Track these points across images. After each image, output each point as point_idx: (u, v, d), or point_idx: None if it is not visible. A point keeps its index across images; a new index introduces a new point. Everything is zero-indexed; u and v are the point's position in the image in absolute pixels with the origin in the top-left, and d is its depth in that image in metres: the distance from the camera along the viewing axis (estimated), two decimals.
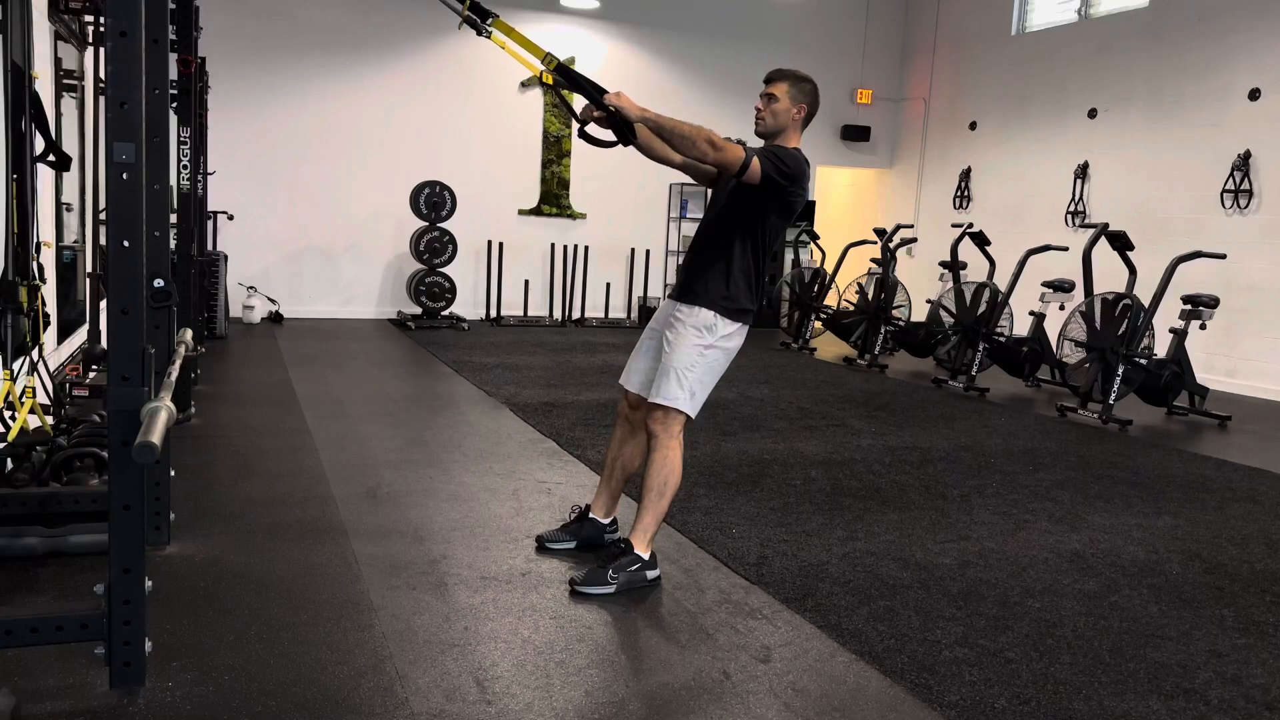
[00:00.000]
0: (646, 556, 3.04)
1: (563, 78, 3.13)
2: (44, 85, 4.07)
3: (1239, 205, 8.13)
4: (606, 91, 3.07)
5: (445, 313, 9.99)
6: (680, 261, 3.33)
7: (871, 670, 2.54)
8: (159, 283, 2.94)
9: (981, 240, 8.41)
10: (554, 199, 11.02)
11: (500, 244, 10.59)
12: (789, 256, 11.34)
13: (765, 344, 9.83)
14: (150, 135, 2.36)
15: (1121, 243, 6.89)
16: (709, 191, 3.36)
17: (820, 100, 3.19)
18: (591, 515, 3.35)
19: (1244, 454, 5.64)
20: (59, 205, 4.95)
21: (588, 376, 7.04)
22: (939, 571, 3.30)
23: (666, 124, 2.96)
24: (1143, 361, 6.42)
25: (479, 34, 3.16)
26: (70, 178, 5.04)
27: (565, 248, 10.98)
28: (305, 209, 9.98)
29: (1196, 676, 2.61)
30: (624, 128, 3.07)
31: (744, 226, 3.11)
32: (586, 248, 11.10)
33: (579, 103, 3.17)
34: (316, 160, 9.94)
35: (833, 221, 12.63)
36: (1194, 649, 2.79)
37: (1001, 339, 7.68)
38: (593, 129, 3.18)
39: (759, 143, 3.17)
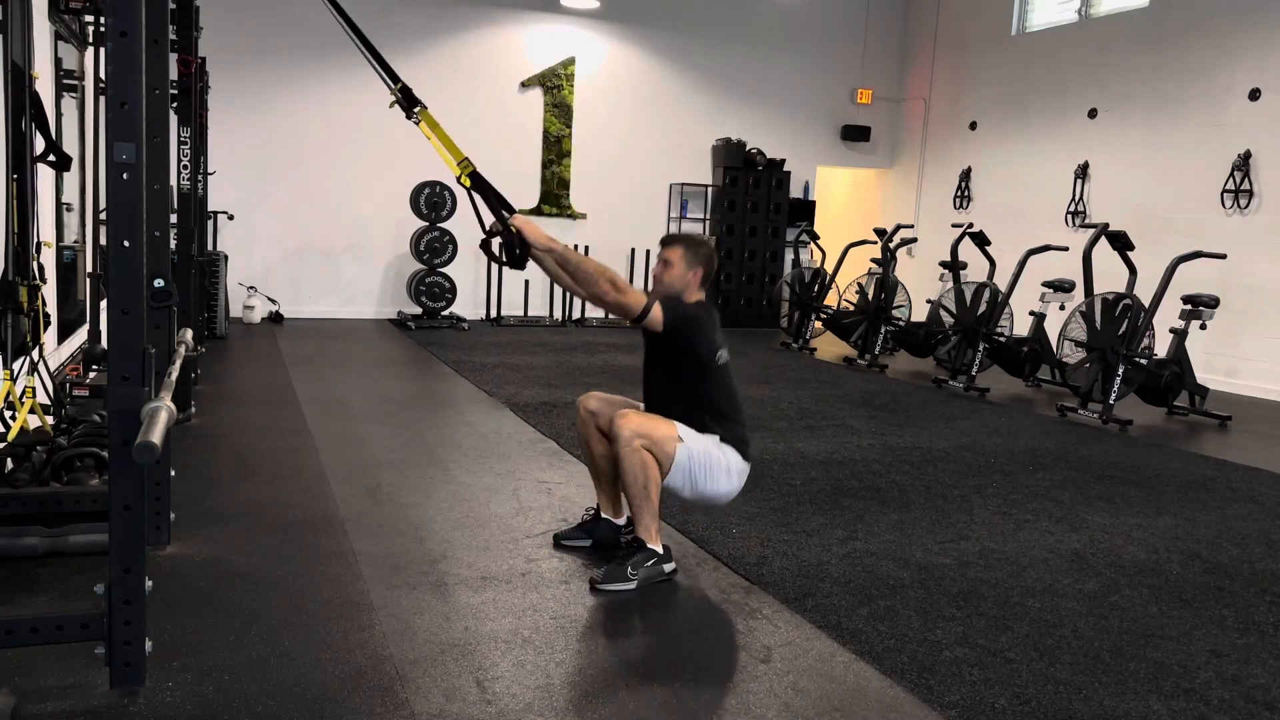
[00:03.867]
0: (660, 551, 3.08)
1: (476, 187, 3.24)
2: (44, 85, 4.07)
3: (1239, 205, 8.13)
4: (514, 212, 3.16)
5: (445, 313, 9.99)
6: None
7: (871, 670, 2.54)
8: (159, 283, 2.94)
9: (981, 240, 8.41)
10: (554, 199, 11.02)
11: (499, 248, 10.58)
12: (789, 256, 11.34)
13: (765, 344, 9.83)
14: (150, 135, 2.36)
15: (1122, 243, 6.89)
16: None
17: (715, 261, 3.29)
18: (604, 517, 3.37)
19: (1244, 454, 5.64)
20: (59, 205, 4.95)
21: (588, 376, 7.04)
22: (939, 571, 3.30)
23: (572, 259, 3.09)
24: (1143, 361, 6.41)
25: (408, 117, 3.33)
26: (70, 178, 5.04)
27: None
28: (305, 209, 9.98)
29: (1196, 676, 2.61)
30: (520, 254, 3.15)
31: (676, 372, 3.16)
32: (586, 248, 11.07)
33: (486, 216, 3.25)
34: (316, 160, 9.94)
35: (833, 221, 12.63)
36: (1194, 649, 2.79)
37: (1002, 339, 7.67)
38: (495, 245, 3.25)
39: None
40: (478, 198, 3.26)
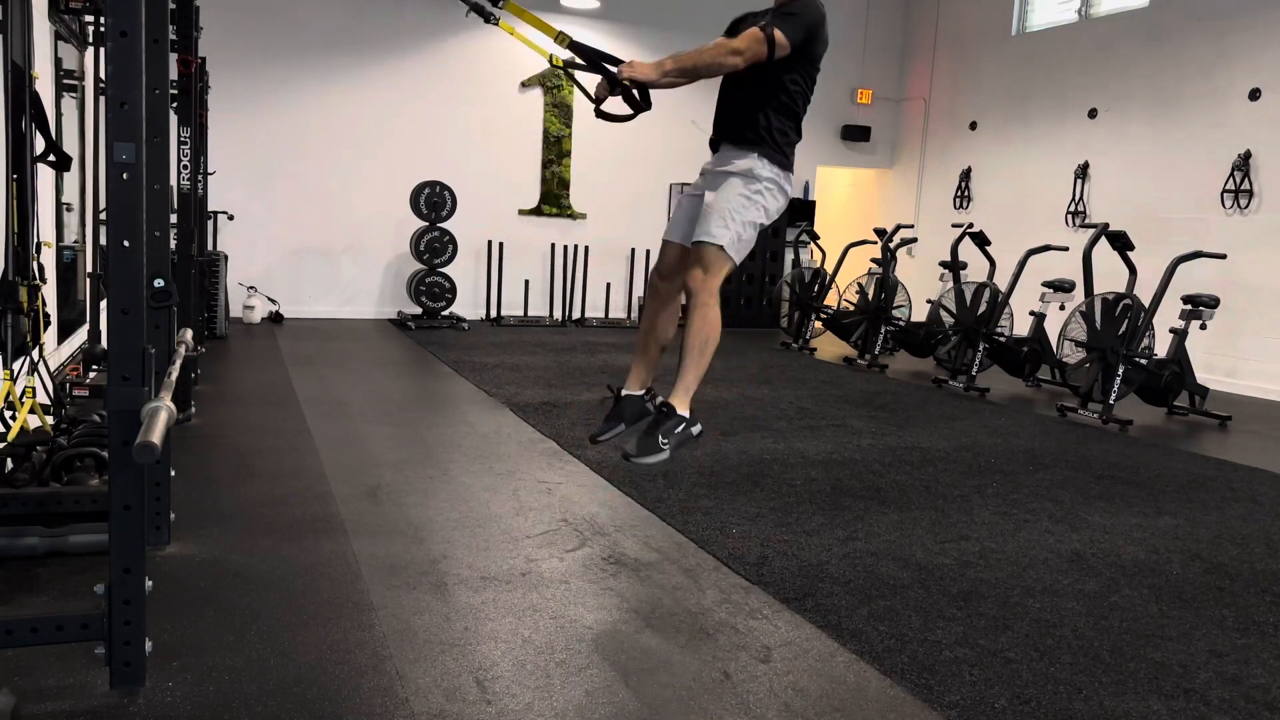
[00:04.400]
0: (688, 415, 3.04)
1: (577, 55, 3.14)
2: (44, 85, 4.07)
3: (1239, 205, 8.13)
4: (620, 62, 3.08)
5: (445, 313, 9.99)
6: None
7: (871, 670, 2.54)
8: (159, 283, 2.94)
9: (982, 240, 8.41)
10: (554, 199, 11.02)
11: (500, 244, 10.59)
12: (789, 256, 11.34)
13: (765, 344, 9.83)
14: (150, 135, 2.36)
15: (1122, 243, 6.89)
16: None
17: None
18: (627, 393, 3.29)
19: (1244, 454, 5.64)
20: (59, 205, 4.95)
21: (588, 376, 7.04)
22: (939, 571, 3.30)
23: (688, 65, 3.00)
24: (1143, 361, 6.42)
25: (486, 20, 3.18)
26: (70, 178, 5.04)
27: (565, 248, 10.98)
28: (305, 209, 9.98)
29: (1197, 676, 2.61)
30: (642, 97, 3.08)
31: (773, 76, 3.10)
32: (586, 248, 11.10)
33: (590, 82, 3.16)
34: (316, 160, 9.94)
35: (833, 221, 12.63)
36: (1194, 649, 2.79)
37: (1002, 339, 7.67)
38: (609, 106, 3.16)
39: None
40: (576, 73, 3.18)
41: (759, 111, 3.09)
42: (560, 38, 3.13)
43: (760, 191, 3.06)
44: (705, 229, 3.03)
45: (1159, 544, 3.77)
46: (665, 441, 2.94)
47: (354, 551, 3.20)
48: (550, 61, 3.16)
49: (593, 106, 3.17)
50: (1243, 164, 8.09)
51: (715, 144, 3.21)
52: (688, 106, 11.45)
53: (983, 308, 7.71)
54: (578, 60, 3.15)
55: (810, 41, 3.04)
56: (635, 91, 3.05)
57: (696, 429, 3.03)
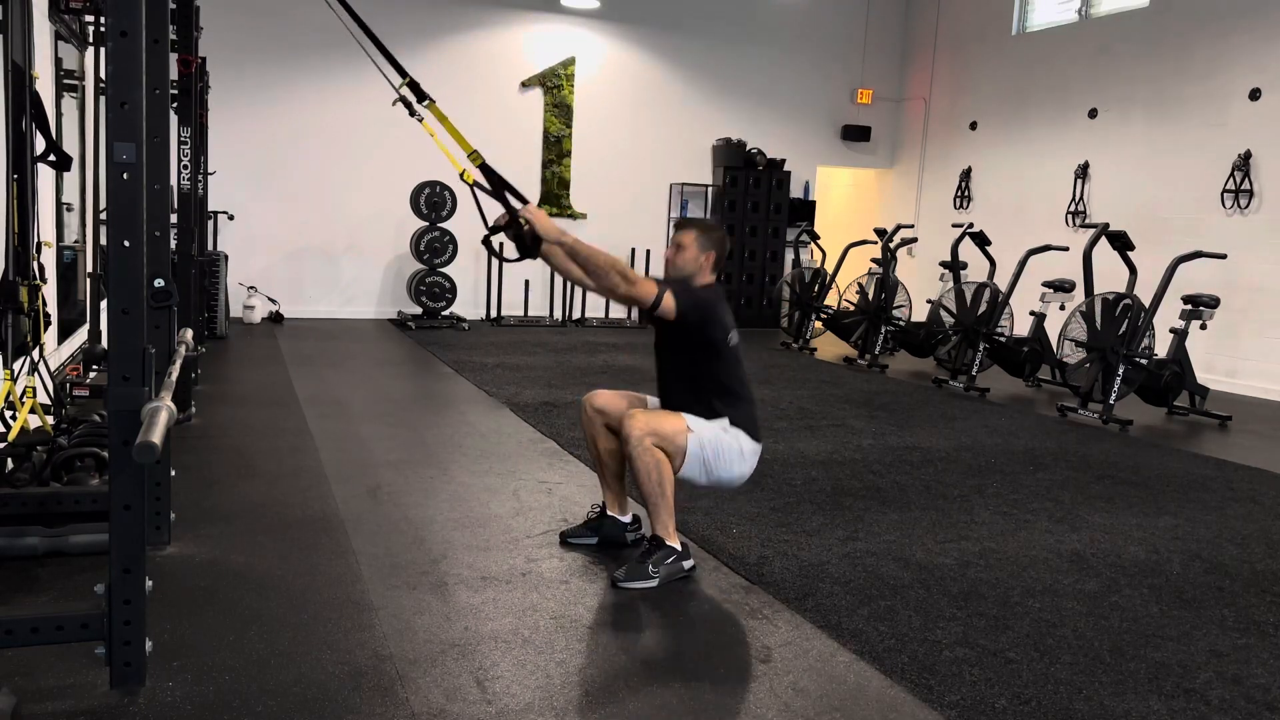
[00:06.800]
0: (679, 548, 3.09)
1: (486, 178, 3.21)
2: (44, 85, 4.07)
3: (1239, 205, 8.13)
4: (527, 202, 3.14)
5: (445, 313, 9.99)
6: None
7: (872, 670, 2.54)
8: (159, 283, 2.94)
9: (982, 240, 8.41)
10: (554, 199, 11.02)
11: (501, 244, 10.58)
12: (789, 256, 11.34)
13: (765, 344, 9.83)
14: (150, 135, 2.36)
15: (1122, 243, 6.89)
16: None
17: (727, 245, 3.29)
18: (610, 514, 3.37)
19: (1244, 454, 5.64)
20: (59, 205, 4.95)
21: (588, 376, 7.04)
22: (939, 571, 3.30)
23: (582, 251, 3.06)
24: (1143, 361, 6.41)
25: (410, 114, 3.26)
26: (70, 178, 5.04)
27: None
28: (305, 209, 9.98)
29: (1197, 676, 2.61)
30: (531, 245, 3.14)
31: (688, 356, 3.16)
32: None
33: (491, 208, 3.23)
34: (317, 160, 9.94)
35: (833, 221, 12.63)
36: (1194, 649, 2.79)
37: (1002, 339, 7.67)
38: (498, 239, 3.24)
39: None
40: (480, 194, 3.24)
41: (685, 391, 3.18)
42: (474, 156, 3.21)
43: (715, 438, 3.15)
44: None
45: (1159, 544, 3.77)
46: (655, 570, 3.03)
47: (354, 551, 3.20)
48: (461, 177, 3.22)
49: (484, 231, 3.24)
50: (1243, 164, 8.09)
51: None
52: (695, 107, 11.50)
53: (983, 308, 7.71)
54: (484, 184, 3.22)
55: (704, 324, 3.09)
56: (528, 239, 3.11)
57: (689, 564, 3.11)
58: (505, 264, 3.23)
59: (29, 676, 2.23)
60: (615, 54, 11.04)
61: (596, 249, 3.01)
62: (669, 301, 3.02)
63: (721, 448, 3.11)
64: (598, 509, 3.46)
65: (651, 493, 3.03)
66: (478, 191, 3.26)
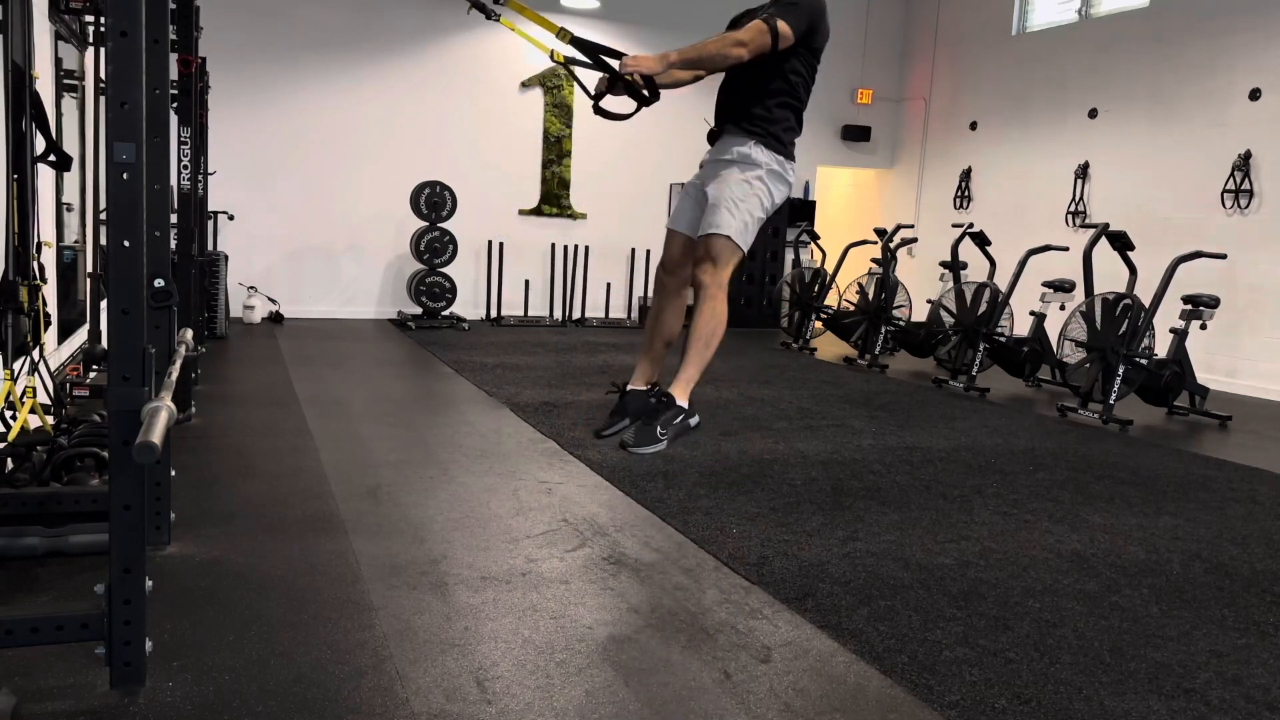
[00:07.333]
0: (687, 406, 3.06)
1: (579, 50, 3.15)
2: (44, 85, 4.07)
3: (1239, 205, 8.13)
4: (622, 56, 3.08)
5: (445, 313, 9.99)
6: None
7: (872, 670, 2.54)
8: (159, 283, 2.94)
9: (982, 240, 8.41)
10: (554, 199, 11.03)
11: (500, 244, 10.59)
12: (789, 256, 11.34)
13: (765, 344, 9.83)
14: (150, 135, 2.36)
15: (1122, 243, 6.89)
16: None
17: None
18: (631, 388, 3.33)
19: (1244, 454, 5.64)
20: (59, 205, 4.95)
21: (588, 376, 7.04)
22: (939, 571, 3.30)
23: (692, 56, 3.03)
24: (1143, 361, 6.42)
25: (488, 17, 3.19)
26: (71, 178, 5.04)
27: (565, 248, 10.98)
28: (305, 209, 9.98)
29: (1197, 676, 2.60)
30: (644, 91, 3.09)
31: (774, 67, 3.12)
32: (587, 248, 11.10)
33: (591, 79, 3.17)
34: (316, 160, 9.95)
35: (833, 221, 12.63)
36: (1194, 649, 2.79)
37: (1002, 339, 7.68)
38: (609, 102, 3.17)
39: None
40: (575, 69, 3.18)
41: (759, 100, 3.12)
42: (562, 34, 3.14)
43: (760, 177, 3.09)
44: (711, 220, 3.06)
45: (1159, 544, 3.77)
46: (663, 432, 2.97)
47: (354, 551, 3.20)
48: (552, 57, 3.17)
49: (591, 103, 3.17)
50: (1243, 164, 8.09)
51: (715, 135, 3.23)
52: (694, 107, 11.49)
53: (983, 308, 7.71)
54: (580, 56, 3.16)
55: (812, 32, 3.07)
56: (641, 85, 3.06)
57: (694, 420, 3.06)
58: (622, 119, 3.17)
59: (29, 676, 2.22)
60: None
61: (699, 44, 2.99)
62: (785, 29, 3.00)
63: (752, 219, 3.12)
64: (617, 390, 3.39)
65: (698, 339, 3.02)
66: (572, 68, 3.20)
